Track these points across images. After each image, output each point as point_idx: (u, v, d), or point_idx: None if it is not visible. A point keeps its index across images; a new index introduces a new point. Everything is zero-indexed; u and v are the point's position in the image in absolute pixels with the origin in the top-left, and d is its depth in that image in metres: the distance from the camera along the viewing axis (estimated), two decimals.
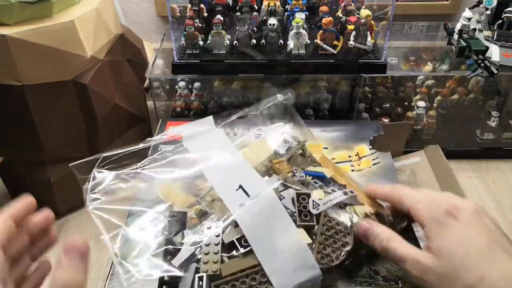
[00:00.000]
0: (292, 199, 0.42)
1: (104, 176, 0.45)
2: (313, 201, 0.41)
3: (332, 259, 0.39)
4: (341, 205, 0.42)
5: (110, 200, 0.44)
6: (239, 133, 0.53)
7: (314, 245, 0.40)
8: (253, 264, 0.39)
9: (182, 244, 0.41)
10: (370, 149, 0.54)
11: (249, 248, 0.39)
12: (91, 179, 0.45)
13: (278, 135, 0.51)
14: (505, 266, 0.32)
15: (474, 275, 0.32)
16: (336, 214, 0.41)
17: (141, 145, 0.49)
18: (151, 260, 0.40)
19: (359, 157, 0.52)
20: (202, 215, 0.44)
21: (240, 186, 0.43)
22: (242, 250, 0.39)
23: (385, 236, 0.38)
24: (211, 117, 0.53)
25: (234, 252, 0.39)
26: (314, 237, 0.40)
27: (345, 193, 0.43)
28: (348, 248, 0.40)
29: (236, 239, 0.40)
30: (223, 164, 0.47)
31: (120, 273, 0.39)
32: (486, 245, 0.33)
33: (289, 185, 0.43)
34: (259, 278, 0.38)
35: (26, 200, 0.37)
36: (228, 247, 0.40)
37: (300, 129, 0.53)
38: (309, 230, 0.41)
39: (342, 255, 0.40)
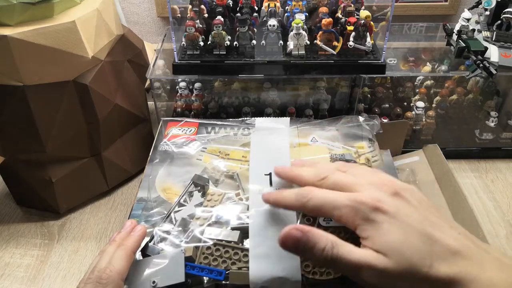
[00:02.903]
0: None
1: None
2: None
3: (316, 272, 0.39)
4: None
5: None
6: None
7: None
8: (234, 240, 0.40)
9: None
10: (369, 146, 0.54)
11: (242, 225, 0.41)
12: None
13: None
14: (451, 239, 0.31)
15: (424, 263, 0.30)
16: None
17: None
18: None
19: (358, 154, 0.53)
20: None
21: (270, 174, 0.45)
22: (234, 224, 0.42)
23: (328, 243, 0.32)
24: (288, 118, 0.58)
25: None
26: None
27: None
28: (337, 276, 0.39)
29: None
30: (269, 148, 0.50)
31: None
32: (430, 228, 0.31)
33: None
34: (241, 257, 0.40)
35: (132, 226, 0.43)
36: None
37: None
38: None
39: (329, 276, 0.39)
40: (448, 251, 0.30)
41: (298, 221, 0.41)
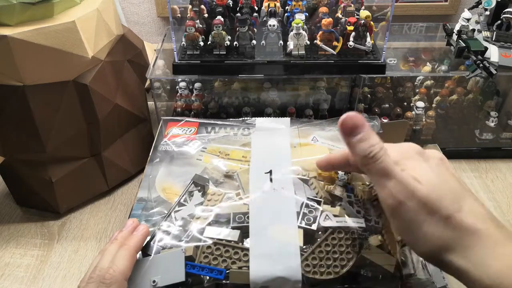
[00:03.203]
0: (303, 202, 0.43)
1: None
2: (326, 214, 0.42)
3: (317, 272, 0.39)
4: (355, 233, 0.41)
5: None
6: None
7: (306, 252, 0.40)
8: (234, 239, 0.40)
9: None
10: None
11: (242, 224, 0.41)
12: None
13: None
14: (475, 206, 0.32)
15: (453, 207, 0.31)
16: (346, 241, 0.41)
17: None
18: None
19: None
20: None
21: (270, 171, 0.45)
22: (234, 224, 0.42)
23: (378, 144, 0.33)
24: (288, 118, 0.58)
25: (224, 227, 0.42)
26: (311, 245, 0.40)
27: (367, 221, 0.42)
28: (337, 276, 0.39)
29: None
30: (270, 148, 0.51)
31: None
32: (458, 185, 0.33)
33: (317, 197, 0.44)
34: (241, 256, 0.39)
35: (134, 226, 0.43)
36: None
37: None
38: (310, 236, 0.41)
39: (329, 276, 0.39)
40: (477, 207, 0.31)
41: (299, 219, 0.41)
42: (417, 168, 0.33)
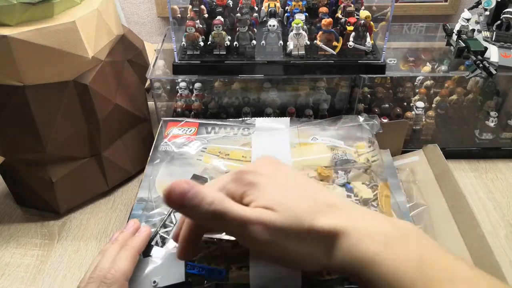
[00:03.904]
0: None
1: None
2: None
3: (317, 273, 0.39)
4: None
5: None
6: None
7: None
8: (232, 239, 0.40)
9: None
10: (369, 146, 0.54)
11: None
12: None
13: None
14: (331, 197, 0.33)
15: (310, 217, 0.30)
16: None
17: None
18: None
19: (358, 154, 0.53)
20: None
21: None
22: None
23: (217, 197, 0.30)
24: (288, 118, 0.58)
25: None
26: None
27: None
28: (337, 276, 0.39)
29: None
30: (270, 148, 0.51)
31: None
32: (310, 187, 0.33)
33: None
34: (241, 256, 0.39)
35: (135, 227, 0.43)
36: None
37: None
38: None
39: (329, 276, 0.39)
40: (328, 205, 0.31)
41: None
42: (267, 189, 0.32)
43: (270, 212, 0.30)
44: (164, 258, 0.40)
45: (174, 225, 0.43)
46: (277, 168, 0.35)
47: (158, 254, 0.41)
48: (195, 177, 0.48)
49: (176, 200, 0.29)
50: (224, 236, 0.41)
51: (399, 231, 0.30)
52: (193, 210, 0.29)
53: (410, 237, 0.30)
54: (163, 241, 0.42)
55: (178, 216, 0.44)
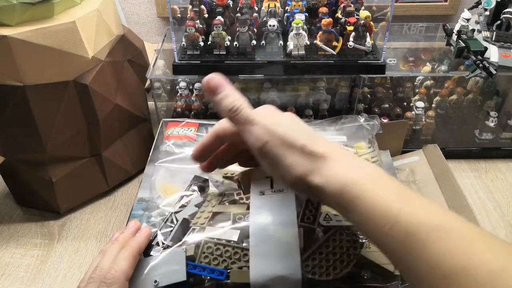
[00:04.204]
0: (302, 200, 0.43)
1: None
2: (326, 214, 0.42)
3: (316, 273, 0.39)
4: (356, 233, 0.42)
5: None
6: None
7: (307, 252, 0.40)
8: (234, 239, 0.41)
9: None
10: (369, 147, 0.54)
11: (242, 224, 0.41)
12: None
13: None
14: (325, 141, 0.37)
15: (306, 140, 0.35)
16: (347, 242, 0.41)
17: None
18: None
19: (358, 155, 0.53)
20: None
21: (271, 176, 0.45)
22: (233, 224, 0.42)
23: (240, 99, 0.37)
24: None
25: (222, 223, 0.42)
26: (312, 245, 0.40)
27: None
28: (337, 277, 0.39)
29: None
30: None
31: None
32: (311, 129, 0.37)
33: None
34: (241, 256, 0.39)
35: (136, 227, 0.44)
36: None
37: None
38: (310, 234, 0.41)
39: (329, 277, 0.39)
40: (323, 142, 0.36)
41: (299, 219, 0.41)
42: (275, 117, 0.38)
43: (274, 124, 0.36)
44: (165, 258, 0.40)
45: (175, 225, 0.43)
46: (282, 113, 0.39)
47: (158, 254, 0.41)
48: (196, 178, 0.48)
49: (212, 90, 0.37)
50: (224, 236, 0.41)
51: (385, 174, 0.35)
52: (221, 101, 0.37)
53: (394, 179, 0.34)
54: (164, 241, 0.42)
55: (179, 216, 0.44)
